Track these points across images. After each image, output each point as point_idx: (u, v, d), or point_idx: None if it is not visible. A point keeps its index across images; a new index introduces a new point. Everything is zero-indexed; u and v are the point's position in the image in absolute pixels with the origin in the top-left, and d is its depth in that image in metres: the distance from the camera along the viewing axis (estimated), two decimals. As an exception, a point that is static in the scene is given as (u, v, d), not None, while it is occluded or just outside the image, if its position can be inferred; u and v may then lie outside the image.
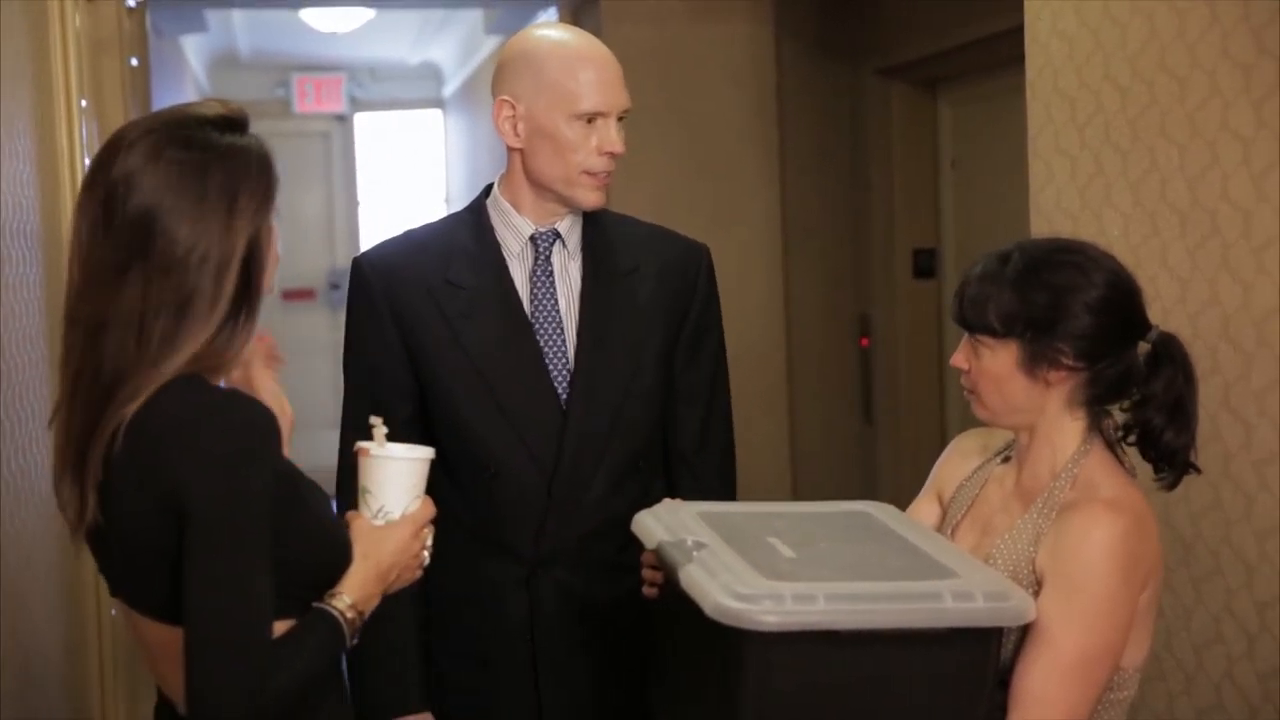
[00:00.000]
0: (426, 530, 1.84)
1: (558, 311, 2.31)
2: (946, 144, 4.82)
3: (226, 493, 1.57)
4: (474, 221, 2.37)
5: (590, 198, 2.29)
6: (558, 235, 2.33)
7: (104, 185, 1.61)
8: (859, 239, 5.02)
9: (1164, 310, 2.30)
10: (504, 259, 2.33)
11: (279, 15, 7.41)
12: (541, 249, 2.33)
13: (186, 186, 1.60)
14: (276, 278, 1.74)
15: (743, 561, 1.73)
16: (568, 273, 2.34)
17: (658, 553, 1.86)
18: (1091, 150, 2.49)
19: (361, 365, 2.36)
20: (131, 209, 1.59)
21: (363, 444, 1.84)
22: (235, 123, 1.68)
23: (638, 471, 2.32)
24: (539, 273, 2.32)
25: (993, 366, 1.89)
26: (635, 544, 1.97)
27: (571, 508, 2.29)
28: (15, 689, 2.43)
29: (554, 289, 2.32)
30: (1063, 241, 1.93)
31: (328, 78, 9.39)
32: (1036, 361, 1.86)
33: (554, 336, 2.31)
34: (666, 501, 2.03)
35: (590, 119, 2.25)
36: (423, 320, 2.30)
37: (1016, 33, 2.75)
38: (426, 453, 1.87)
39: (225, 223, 1.62)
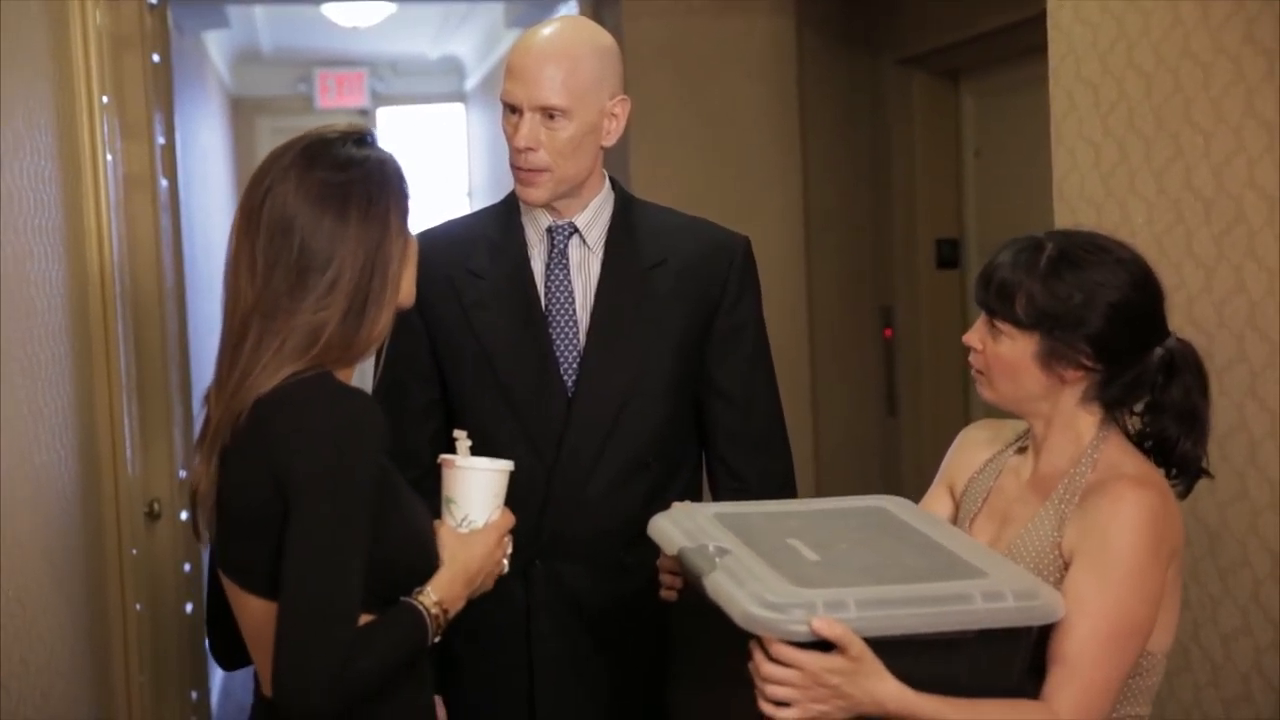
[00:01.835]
0: (507, 539, 1.92)
1: (572, 304, 2.31)
2: (969, 134, 4.79)
3: (332, 475, 1.67)
4: (504, 213, 2.39)
5: (522, 193, 2.30)
6: (575, 229, 2.33)
7: (265, 208, 1.77)
8: (881, 230, 5.00)
9: (1189, 298, 2.28)
10: (526, 251, 2.33)
11: (301, 10, 7.42)
12: (557, 242, 2.33)
13: (331, 202, 1.75)
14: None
15: (768, 567, 1.72)
16: (587, 266, 2.33)
17: (680, 559, 1.85)
18: (1115, 138, 2.47)
19: (391, 351, 2.38)
20: (285, 224, 1.75)
21: (447, 456, 1.92)
22: (365, 137, 1.84)
23: (646, 469, 2.31)
24: (554, 265, 2.32)
25: (1009, 354, 1.88)
26: (650, 546, 1.96)
27: (571, 501, 2.29)
28: (41, 686, 2.44)
29: (569, 282, 2.32)
30: (1096, 238, 1.91)
31: (350, 73, 9.41)
32: (1054, 358, 1.85)
33: (567, 329, 2.31)
34: (679, 505, 2.02)
35: (512, 110, 2.25)
36: (442, 308, 2.33)
37: (1039, 20, 2.72)
38: (508, 465, 1.94)
39: (369, 230, 1.77)
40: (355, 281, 1.75)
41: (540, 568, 2.30)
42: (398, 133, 9.76)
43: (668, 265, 2.33)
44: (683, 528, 1.91)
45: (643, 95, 4.92)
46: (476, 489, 1.89)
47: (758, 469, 2.39)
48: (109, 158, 3.35)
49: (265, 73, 9.32)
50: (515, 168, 2.28)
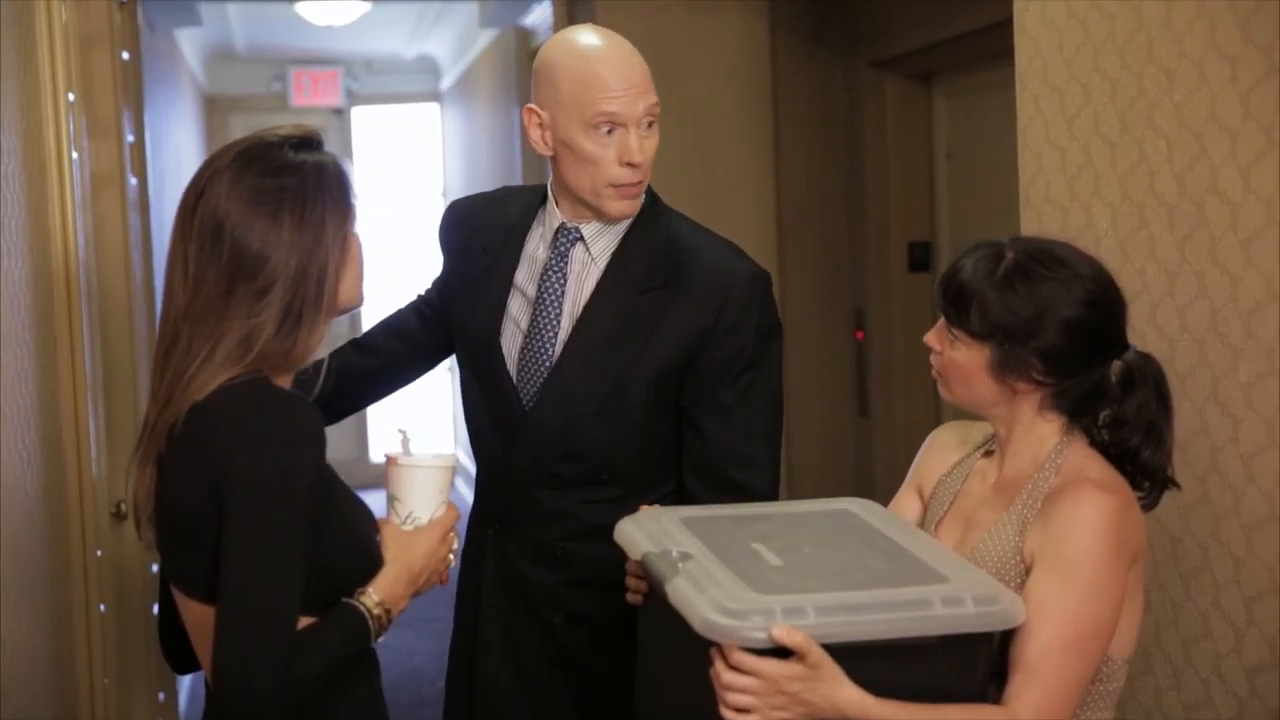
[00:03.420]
0: (452, 534, 1.91)
1: (559, 312, 2.30)
2: (941, 137, 4.81)
3: (271, 479, 1.67)
4: (530, 200, 2.41)
5: (615, 207, 2.26)
6: (580, 237, 2.31)
7: (198, 211, 1.76)
8: (854, 232, 5.01)
9: (1152, 303, 2.29)
10: (525, 238, 2.37)
11: (274, 8, 7.40)
12: (561, 244, 2.31)
13: (263, 207, 1.74)
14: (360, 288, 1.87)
15: (729, 573, 1.72)
16: (586, 276, 2.31)
17: (644, 565, 1.85)
18: (1080, 142, 2.47)
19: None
20: (216, 227, 1.74)
21: (390, 452, 1.92)
22: (308, 141, 1.83)
23: (596, 484, 2.32)
24: (552, 267, 2.32)
25: (963, 361, 1.89)
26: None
27: (518, 489, 2.35)
28: (1, 688, 2.42)
29: (563, 286, 2.31)
30: (1057, 250, 1.90)
31: (324, 71, 9.38)
32: (1005, 369, 1.86)
33: (545, 332, 2.31)
34: (646, 508, 2.02)
35: (609, 129, 2.21)
36: (459, 273, 2.43)
37: (1009, 25, 2.73)
38: (450, 460, 1.93)
39: (302, 236, 1.75)
40: (290, 288, 1.73)
41: (492, 539, 2.39)
42: (372, 132, 9.73)
43: (664, 290, 2.27)
44: (647, 531, 1.91)
45: (615, 96, 4.91)
46: (419, 486, 1.88)
47: (722, 462, 2.31)
48: (75, 156, 3.33)
49: (239, 71, 9.29)
50: (616, 185, 2.23)
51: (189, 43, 7.60)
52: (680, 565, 1.76)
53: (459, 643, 2.49)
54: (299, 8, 7.14)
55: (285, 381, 1.80)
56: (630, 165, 2.21)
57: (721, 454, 2.28)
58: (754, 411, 2.29)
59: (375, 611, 1.77)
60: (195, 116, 8.05)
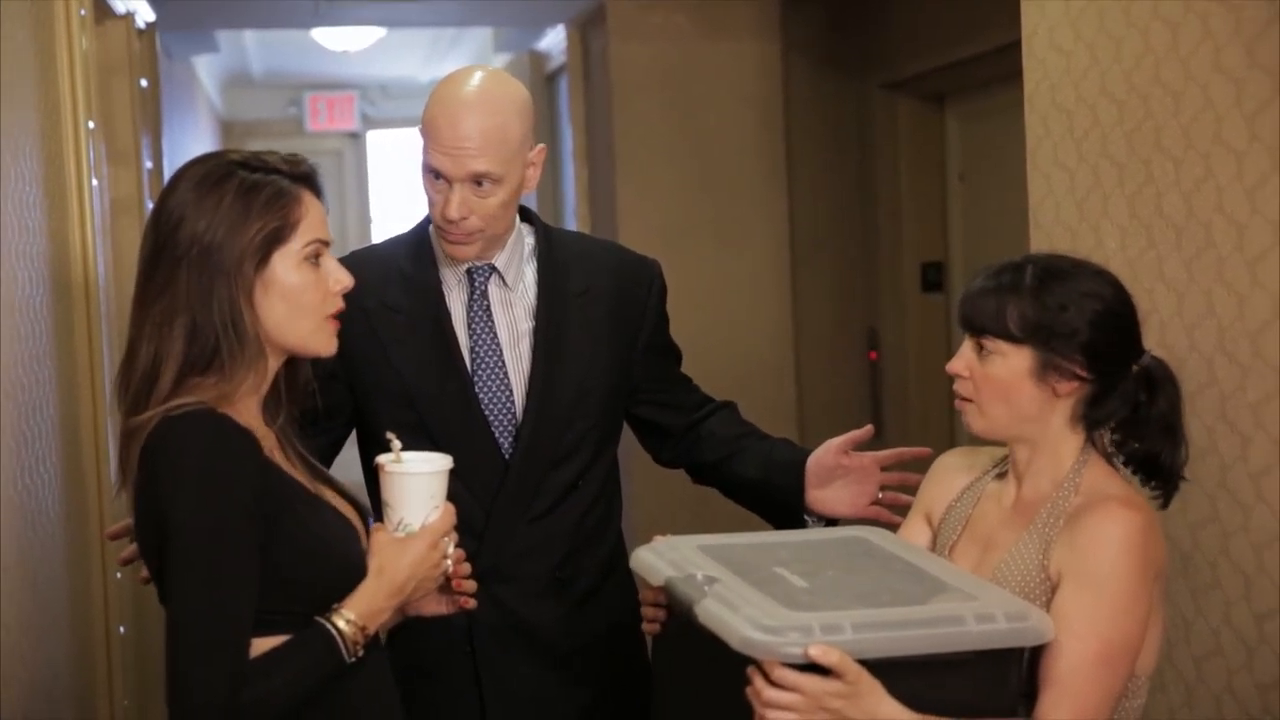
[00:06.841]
0: (446, 540, 1.87)
1: (498, 347, 2.32)
2: (954, 158, 4.83)
3: (199, 509, 1.67)
4: (415, 245, 2.37)
5: (446, 249, 2.28)
6: (494, 269, 2.34)
7: (152, 212, 1.80)
8: (867, 253, 5.03)
9: (1161, 323, 2.30)
10: (440, 287, 2.34)
11: (291, 35, 7.46)
12: (478, 283, 2.33)
13: (205, 189, 1.75)
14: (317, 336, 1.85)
15: (759, 593, 1.73)
16: (510, 305, 2.35)
17: (667, 589, 1.85)
18: (1089, 164, 2.49)
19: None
20: (155, 213, 1.78)
21: (381, 458, 1.88)
22: (291, 163, 1.82)
23: (574, 490, 2.35)
24: (475, 308, 2.33)
25: (1002, 373, 1.89)
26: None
27: (508, 531, 2.31)
28: (23, 709, 2.45)
29: (492, 324, 2.33)
30: (1069, 256, 1.97)
31: (340, 96, 9.46)
32: (1048, 370, 1.87)
33: (494, 372, 2.31)
34: (660, 538, 2.03)
35: (437, 176, 2.22)
36: (357, 340, 2.23)
37: (1019, 47, 2.75)
38: (443, 464, 1.89)
39: (222, 212, 1.74)
40: (202, 258, 1.74)
41: (479, 592, 2.31)
42: (387, 155, 9.79)
43: (591, 292, 2.37)
44: (667, 559, 1.91)
45: (629, 120, 4.95)
46: (408, 492, 1.84)
47: (728, 415, 2.54)
48: (95, 182, 3.37)
49: (255, 96, 9.37)
50: (443, 230, 2.25)
51: (206, 69, 7.66)
52: (707, 588, 1.77)
53: (446, 706, 2.37)
54: (315, 33, 7.20)
55: (247, 406, 1.78)
56: (449, 220, 2.22)
57: (700, 399, 2.55)
58: (679, 360, 2.57)
59: (345, 629, 1.74)
60: (212, 142, 8.11)
